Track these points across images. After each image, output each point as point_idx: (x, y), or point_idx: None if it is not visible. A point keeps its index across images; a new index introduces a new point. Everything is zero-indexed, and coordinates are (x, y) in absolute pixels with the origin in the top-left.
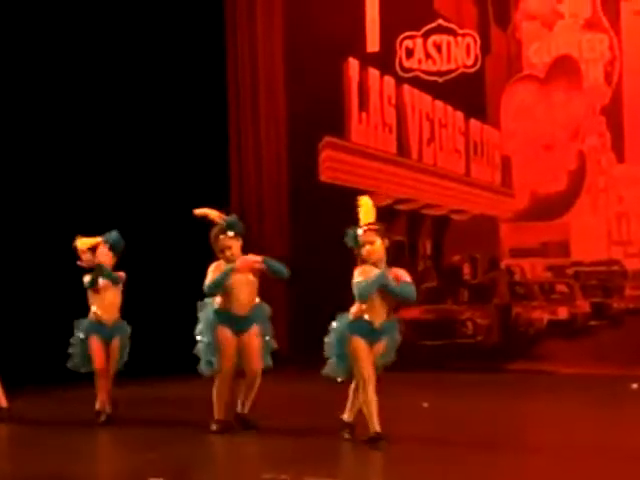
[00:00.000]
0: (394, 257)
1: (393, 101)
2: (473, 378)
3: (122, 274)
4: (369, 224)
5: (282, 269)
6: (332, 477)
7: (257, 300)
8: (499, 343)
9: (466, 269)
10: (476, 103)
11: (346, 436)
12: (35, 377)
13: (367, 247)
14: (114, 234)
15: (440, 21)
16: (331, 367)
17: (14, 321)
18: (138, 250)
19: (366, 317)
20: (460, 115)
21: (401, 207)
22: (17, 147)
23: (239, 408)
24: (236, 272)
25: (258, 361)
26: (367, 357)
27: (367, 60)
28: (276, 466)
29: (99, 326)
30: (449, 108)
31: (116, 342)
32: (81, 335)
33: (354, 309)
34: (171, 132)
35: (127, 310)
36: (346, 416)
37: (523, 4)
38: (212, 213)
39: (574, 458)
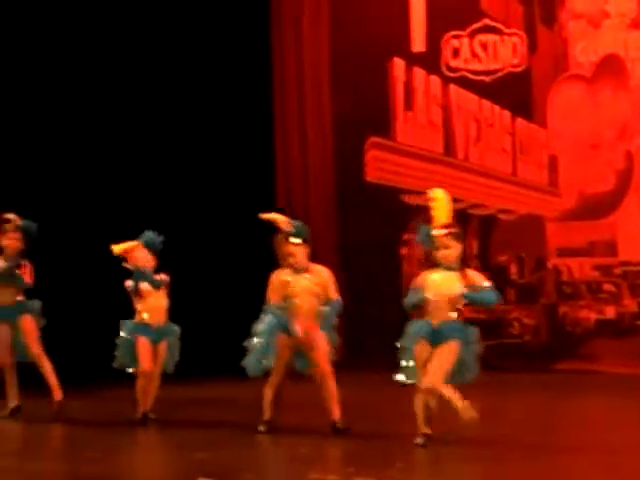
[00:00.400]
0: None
1: (439, 101)
2: (520, 378)
3: (164, 277)
4: (447, 227)
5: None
6: (380, 479)
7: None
8: (546, 343)
9: (513, 269)
10: (523, 102)
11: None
12: (80, 376)
13: (443, 251)
14: (149, 234)
15: (486, 20)
16: (407, 372)
17: (64, 321)
18: (185, 251)
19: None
20: (507, 114)
21: None
22: (69, 148)
23: (332, 414)
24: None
25: (325, 363)
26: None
27: (413, 60)
28: (324, 467)
29: (145, 328)
30: (496, 107)
31: (164, 345)
32: (126, 335)
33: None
34: (218, 134)
35: (175, 310)
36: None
37: (569, 3)
38: (279, 218)
39: (622, 458)
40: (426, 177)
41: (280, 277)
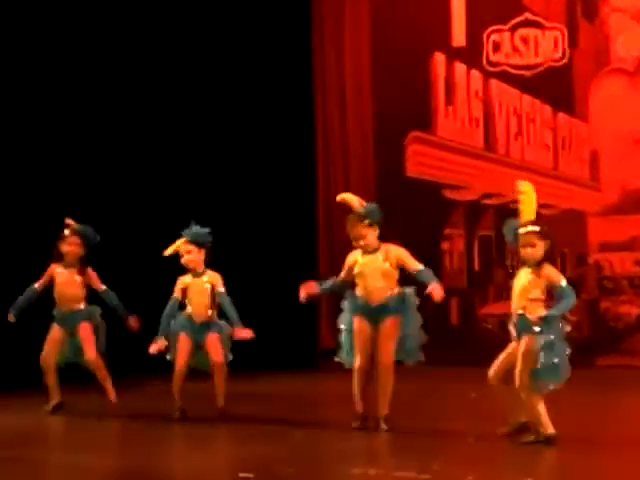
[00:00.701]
0: (481, 252)
1: (480, 95)
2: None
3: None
4: (533, 224)
5: None
6: (423, 473)
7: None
8: (588, 338)
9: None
10: (564, 97)
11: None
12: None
13: (528, 249)
14: (193, 228)
15: (527, 14)
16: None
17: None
18: (227, 246)
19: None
20: (548, 109)
21: (488, 202)
22: (102, 149)
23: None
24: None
25: (388, 355)
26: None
27: (453, 54)
28: (365, 462)
29: (189, 323)
30: (537, 102)
31: (208, 339)
32: (173, 329)
33: None
34: (259, 130)
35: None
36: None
37: None
38: (352, 200)
39: None
40: (467, 172)
41: (350, 258)
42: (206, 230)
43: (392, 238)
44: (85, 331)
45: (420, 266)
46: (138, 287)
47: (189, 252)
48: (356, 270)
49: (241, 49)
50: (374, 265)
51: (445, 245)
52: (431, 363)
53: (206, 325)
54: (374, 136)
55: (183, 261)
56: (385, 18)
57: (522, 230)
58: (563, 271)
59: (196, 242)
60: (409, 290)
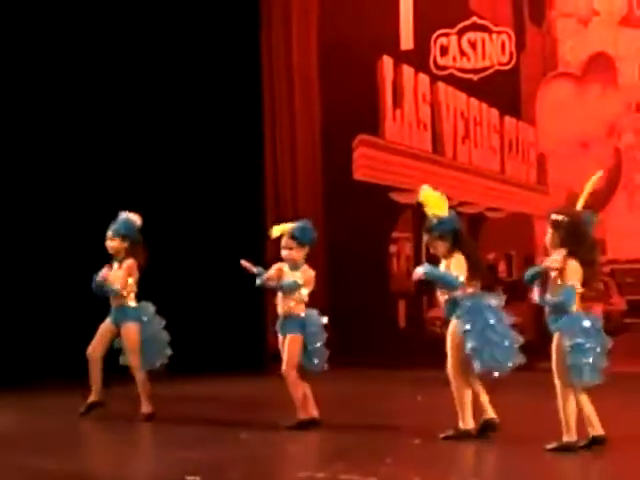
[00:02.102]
0: (429, 256)
1: (428, 99)
2: (508, 376)
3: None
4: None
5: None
6: (370, 476)
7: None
8: (533, 341)
9: (501, 267)
10: (511, 100)
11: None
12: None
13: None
14: (300, 223)
15: (474, 18)
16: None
17: None
18: (176, 249)
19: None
20: (495, 112)
21: None
22: (61, 148)
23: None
24: None
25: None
26: None
27: (401, 58)
28: (312, 465)
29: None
30: (484, 105)
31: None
32: None
33: None
34: (207, 133)
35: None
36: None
37: (558, 1)
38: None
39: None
40: (414, 175)
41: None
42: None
43: (341, 241)
44: (127, 332)
45: None
46: None
47: (290, 248)
48: None
49: (189, 49)
50: None
51: (392, 248)
52: (378, 365)
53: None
54: (322, 139)
55: (283, 256)
56: (333, 21)
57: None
58: (510, 274)
59: (297, 238)
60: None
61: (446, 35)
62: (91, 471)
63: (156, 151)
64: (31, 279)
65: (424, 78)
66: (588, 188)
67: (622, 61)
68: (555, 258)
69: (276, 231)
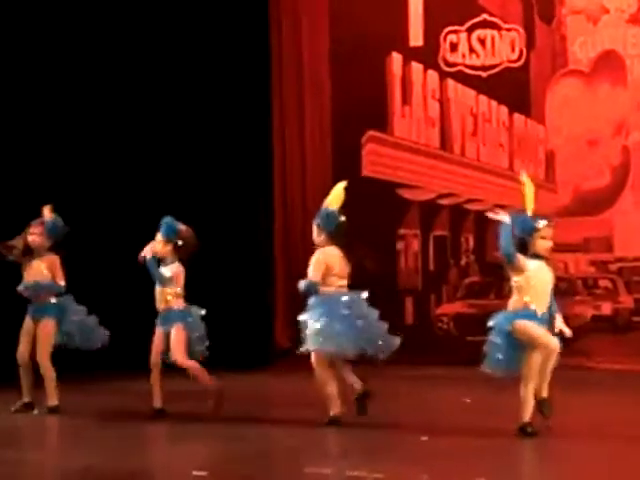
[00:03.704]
0: (436, 252)
1: (436, 95)
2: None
3: None
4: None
5: None
6: (376, 472)
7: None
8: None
9: None
10: (520, 98)
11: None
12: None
13: (545, 242)
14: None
15: (484, 15)
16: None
17: None
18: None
19: (532, 307)
20: (504, 110)
21: (444, 202)
22: (69, 148)
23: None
24: None
25: None
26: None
27: (410, 54)
28: (319, 461)
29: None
30: (493, 103)
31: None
32: None
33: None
34: (216, 129)
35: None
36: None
37: None
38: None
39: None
40: (422, 172)
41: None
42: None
43: (348, 237)
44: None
45: None
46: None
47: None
48: None
49: (200, 52)
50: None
51: (400, 245)
52: (386, 362)
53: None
54: (331, 135)
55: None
56: (343, 18)
57: (544, 223)
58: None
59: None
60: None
61: (456, 32)
62: (101, 466)
63: (167, 151)
64: None
65: (433, 75)
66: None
67: (631, 59)
68: None
69: None
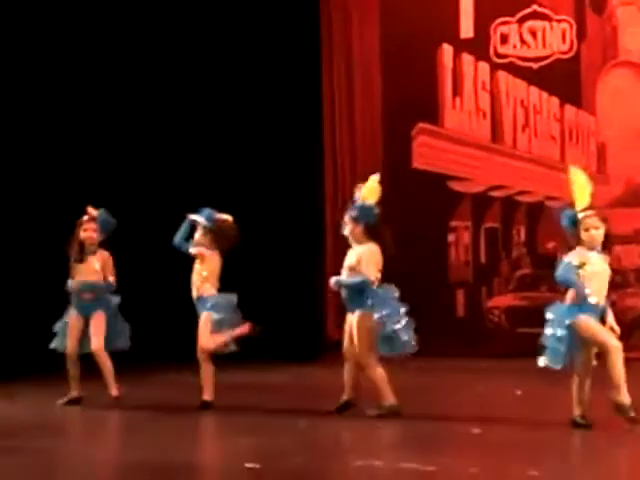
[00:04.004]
0: (487, 245)
1: (487, 87)
2: None
3: None
4: (594, 209)
5: None
6: (428, 465)
7: None
8: None
9: (560, 256)
10: (571, 89)
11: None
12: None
13: (592, 232)
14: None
15: (535, 7)
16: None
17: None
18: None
19: (592, 300)
20: (555, 101)
21: (495, 194)
22: (120, 142)
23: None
24: None
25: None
26: (603, 329)
27: (461, 46)
28: (369, 453)
29: None
30: (544, 94)
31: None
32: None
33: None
34: (267, 122)
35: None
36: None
37: None
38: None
39: None
40: (473, 164)
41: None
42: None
43: (400, 229)
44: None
45: None
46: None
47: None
48: None
49: (251, 44)
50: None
51: (451, 237)
52: (438, 355)
53: None
54: (382, 127)
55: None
56: (393, 10)
57: (583, 214)
58: None
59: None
60: None
61: (507, 23)
62: (152, 459)
63: (218, 150)
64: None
65: (484, 66)
66: (583, 184)
67: None
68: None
69: None
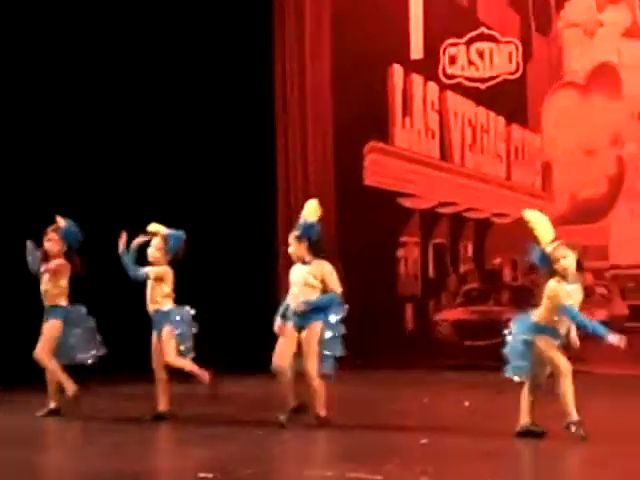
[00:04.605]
0: (436, 260)
1: (436, 107)
2: None
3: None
4: (559, 239)
5: None
6: (376, 474)
7: None
8: None
9: (507, 271)
10: (518, 109)
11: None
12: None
13: (562, 262)
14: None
15: (483, 29)
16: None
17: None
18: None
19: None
20: (502, 121)
21: (443, 210)
22: (71, 148)
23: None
24: None
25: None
26: (558, 351)
27: (411, 67)
28: (321, 463)
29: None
30: (491, 114)
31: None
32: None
33: (540, 315)
34: (220, 138)
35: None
36: (525, 421)
37: (564, 12)
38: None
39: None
40: (423, 181)
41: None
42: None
43: (351, 244)
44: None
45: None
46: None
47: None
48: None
49: (204, 56)
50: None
51: (400, 252)
52: (387, 367)
53: None
54: (334, 146)
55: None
56: (345, 30)
57: (552, 245)
58: (515, 278)
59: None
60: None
61: (455, 45)
62: (108, 468)
63: (175, 163)
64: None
65: (433, 86)
66: (541, 222)
67: (626, 71)
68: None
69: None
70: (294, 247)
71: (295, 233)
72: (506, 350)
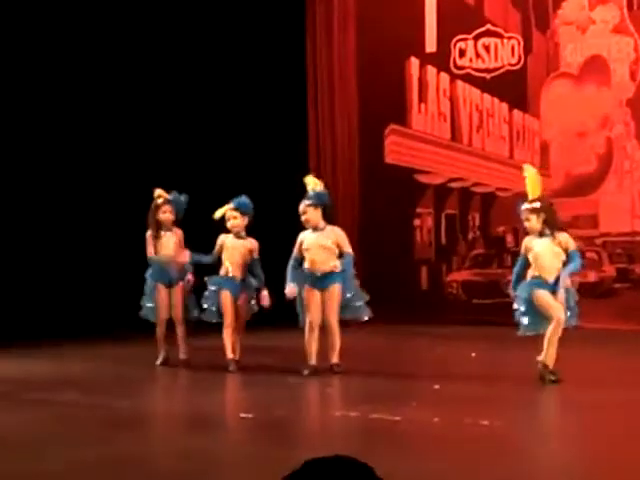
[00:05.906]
0: (447, 228)
1: (448, 94)
2: (512, 331)
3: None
4: (532, 202)
5: None
6: (395, 415)
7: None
8: None
9: (509, 238)
10: (519, 96)
11: (552, 378)
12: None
13: (525, 223)
14: (242, 198)
15: (489, 26)
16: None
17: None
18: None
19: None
20: (505, 106)
21: (454, 185)
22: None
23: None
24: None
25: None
26: (554, 302)
27: (426, 59)
28: (346, 405)
29: (229, 281)
30: (495, 100)
31: (244, 297)
32: (213, 288)
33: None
34: (254, 123)
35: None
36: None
37: (560, 11)
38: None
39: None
40: (436, 159)
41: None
42: (248, 200)
43: (373, 215)
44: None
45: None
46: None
47: (235, 218)
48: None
49: (240, 51)
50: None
51: (417, 222)
52: (404, 321)
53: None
54: (358, 129)
55: (229, 225)
56: (368, 27)
57: (523, 206)
58: (516, 244)
59: (240, 210)
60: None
61: (464, 40)
62: (156, 409)
63: (209, 150)
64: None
65: (445, 76)
66: (534, 179)
67: (615, 63)
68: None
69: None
70: (310, 214)
71: (308, 202)
72: (515, 314)
